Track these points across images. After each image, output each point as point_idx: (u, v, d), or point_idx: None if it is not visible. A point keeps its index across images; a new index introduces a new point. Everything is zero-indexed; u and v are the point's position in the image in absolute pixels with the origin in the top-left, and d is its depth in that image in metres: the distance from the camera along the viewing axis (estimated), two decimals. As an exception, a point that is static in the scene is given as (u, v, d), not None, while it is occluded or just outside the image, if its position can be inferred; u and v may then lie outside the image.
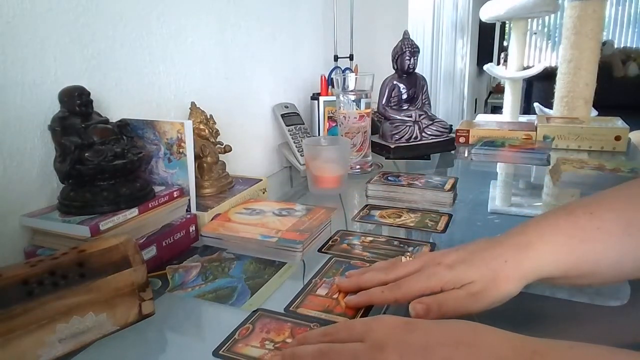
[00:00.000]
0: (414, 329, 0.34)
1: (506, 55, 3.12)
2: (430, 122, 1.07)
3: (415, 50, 1.05)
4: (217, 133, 0.74)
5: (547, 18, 6.21)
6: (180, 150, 0.63)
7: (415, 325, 0.35)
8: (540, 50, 6.37)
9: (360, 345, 0.34)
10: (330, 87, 1.09)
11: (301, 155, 0.96)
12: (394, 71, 1.09)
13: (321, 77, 1.09)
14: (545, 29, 6.38)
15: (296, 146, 0.97)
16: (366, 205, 0.76)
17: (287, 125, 1.00)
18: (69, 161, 0.52)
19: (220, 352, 0.39)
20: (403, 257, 0.50)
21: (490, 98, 5.25)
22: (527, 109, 4.11)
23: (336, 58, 1.24)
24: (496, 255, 0.43)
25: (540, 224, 0.44)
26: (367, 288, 0.46)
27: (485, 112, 4.79)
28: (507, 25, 4.83)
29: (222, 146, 0.76)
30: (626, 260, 0.42)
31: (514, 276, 0.42)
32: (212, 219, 0.65)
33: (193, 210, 0.64)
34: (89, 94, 0.55)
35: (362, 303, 0.46)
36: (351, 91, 0.90)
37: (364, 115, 0.91)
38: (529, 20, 2.79)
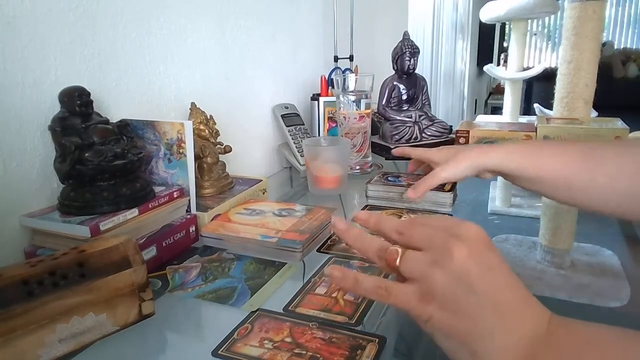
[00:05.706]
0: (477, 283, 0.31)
1: (506, 56, 3.11)
2: (430, 123, 1.07)
3: (415, 51, 1.05)
4: (217, 133, 0.74)
5: (547, 19, 6.22)
6: (180, 150, 0.63)
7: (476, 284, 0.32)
8: (540, 51, 6.37)
9: (412, 289, 0.32)
10: (330, 87, 1.10)
11: (301, 156, 0.96)
12: (394, 72, 1.09)
13: (321, 77, 1.09)
14: (545, 30, 6.39)
15: (296, 146, 0.97)
16: (366, 206, 0.76)
17: (287, 126, 1.00)
18: (69, 161, 0.52)
19: (219, 352, 0.39)
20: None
21: (490, 99, 5.26)
22: (527, 110, 4.10)
23: (336, 59, 1.24)
24: (466, 148, 0.56)
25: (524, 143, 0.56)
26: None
27: (485, 113, 4.79)
28: (507, 26, 4.83)
29: (222, 146, 0.76)
30: (576, 182, 0.48)
31: (473, 156, 0.54)
32: (212, 219, 0.65)
33: (193, 210, 0.64)
34: (89, 94, 0.55)
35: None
36: (351, 92, 0.90)
37: (364, 116, 0.91)
38: (529, 21, 2.78)
